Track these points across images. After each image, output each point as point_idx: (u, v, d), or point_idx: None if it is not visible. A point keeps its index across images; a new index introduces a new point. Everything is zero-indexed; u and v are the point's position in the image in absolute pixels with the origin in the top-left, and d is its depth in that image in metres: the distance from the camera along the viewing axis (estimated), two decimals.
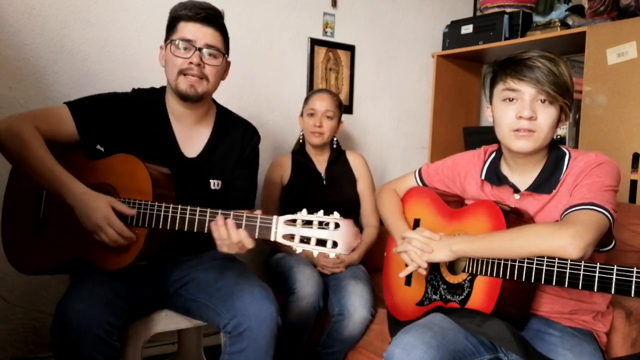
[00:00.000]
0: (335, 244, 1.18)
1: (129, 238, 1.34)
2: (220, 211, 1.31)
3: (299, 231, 1.20)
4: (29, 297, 1.96)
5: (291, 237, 1.21)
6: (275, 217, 1.24)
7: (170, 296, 1.59)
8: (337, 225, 1.18)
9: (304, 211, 1.22)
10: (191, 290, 1.54)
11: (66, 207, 1.44)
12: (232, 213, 1.29)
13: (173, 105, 1.60)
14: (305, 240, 1.20)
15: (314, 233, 1.19)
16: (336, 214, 1.19)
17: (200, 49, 1.50)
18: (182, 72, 1.50)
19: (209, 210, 1.33)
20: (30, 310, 1.97)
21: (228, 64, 1.64)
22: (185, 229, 1.34)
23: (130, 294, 1.44)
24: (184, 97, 1.53)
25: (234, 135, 1.68)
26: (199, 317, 1.56)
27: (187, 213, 1.34)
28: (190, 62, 1.49)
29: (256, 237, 1.27)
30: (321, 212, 1.21)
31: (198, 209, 1.33)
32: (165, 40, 1.55)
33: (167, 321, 1.60)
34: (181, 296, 1.56)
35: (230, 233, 1.27)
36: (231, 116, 1.73)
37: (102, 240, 1.33)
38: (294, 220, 1.21)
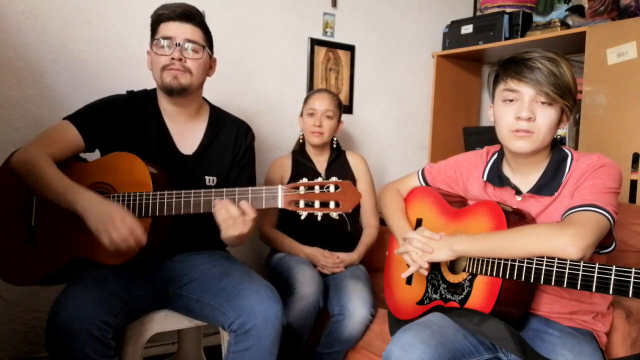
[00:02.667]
0: (337, 204, 1.29)
1: (137, 239, 1.33)
2: (224, 190, 1.36)
3: (303, 196, 1.30)
4: (29, 297, 1.97)
5: (296, 203, 1.30)
6: (279, 186, 1.33)
7: (170, 296, 1.59)
8: (337, 187, 1.29)
9: (304, 179, 1.28)
10: (194, 290, 1.55)
11: (61, 212, 1.45)
12: (237, 190, 1.35)
13: (165, 105, 1.64)
14: (309, 204, 1.30)
15: (317, 196, 1.29)
16: (334, 178, 1.27)
17: (180, 44, 1.54)
18: (165, 68, 1.55)
19: (213, 190, 1.37)
20: (30, 310, 1.98)
21: (213, 60, 1.68)
22: (192, 212, 1.37)
23: (125, 293, 1.44)
24: (169, 91, 1.56)
25: (228, 132, 1.70)
26: (202, 317, 1.57)
27: (192, 196, 1.38)
28: (172, 58, 1.54)
29: (264, 207, 1.34)
30: (320, 178, 1.27)
31: (202, 191, 1.37)
32: (150, 43, 1.60)
33: (167, 321, 1.60)
34: (182, 296, 1.56)
35: (229, 209, 1.33)
36: (224, 114, 1.76)
37: (111, 238, 1.31)
38: (297, 188, 1.31)
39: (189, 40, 1.56)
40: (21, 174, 1.46)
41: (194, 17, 1.58)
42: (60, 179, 1.40)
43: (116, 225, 1.30)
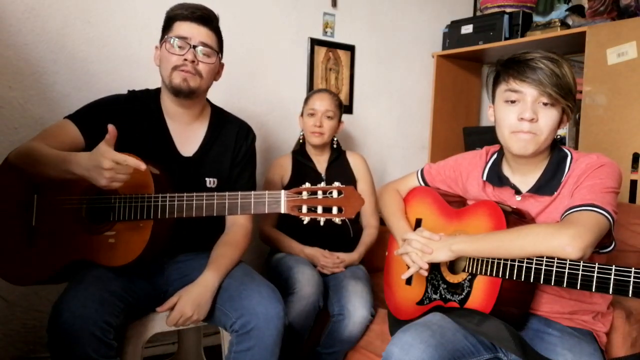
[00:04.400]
0: (340, 210, 1.27)
1: (135, 164, 1.29)
2: (227, 193, 1.35)
3: (306, 202, 1.28)
4: (29, 297, 1.97)
5: (299, 208, 1.29)
6: (282, 191, 1.31)
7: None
8: (340, 192, 1.27)
9: (307, 184, 1.30)
10: None
11: (62, 212, 1.44)
12: (239, 194, 1.34)
13: (168, 105, 1.63)
14: (312, 209, 1.28)
15: (320, 202, 1.28)
16: (337, 183, 1.29)
17: (194, 47, 1.53)
18: (177, 68, 1.53)
19: (215, 194, 1.35)
20: (30, 310, 1.98)
21: (221, 65, 1.68)
22: (194, 215, 1.36)
23: (127, 293, 1.44)
24: (177, 92, 1.55)
25: (229, 133, 1.70)
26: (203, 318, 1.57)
27: (194, 199, 1.36)
28: (185, 59, 1.52)
29: (266, 212, 1.34)
30: (323, 183, 1.32)
31: (204, 194, 1.36)
32: (161, 39, 1.58)
33: None
34: None
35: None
36: (226, 115, 1.75)
37: (117, 180, 1.29)
38: (300, 193, 1.29)
39: (204, 44, 1.55)
40: (19, 164, 1.45)
41: (211, 21, 1.57)
42: (54, 153, 1.40)
43: (113, 167, 1.27)
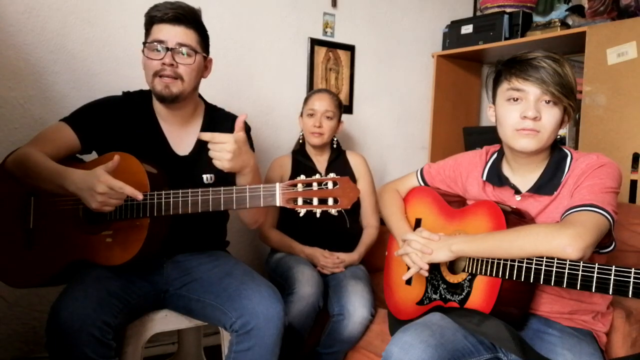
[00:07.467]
0: (336, 201, 1.26)
1: (132, 193, 1.30)
2: (222, 188, 1.34)
3: (301, 194, 1.27)
4: (28, 297, 1.97)
5: (294, 200, 1.27)
6: (277, 184, 1.29)
7: (171, 296, 1.59)
8: (335, 184, 1.26)
9: (302, 176, 1.30)
10: (194, 290, 1.55)
11: (59, 213, 1.45)
12: (234, 188, 1.33)
13: (159, 108, 1.63)
14: (307, 201, 1.27)
15: (315, 193, 1.27)
16: (332, 174, 1.28)
17: (172, 49, 1.50)
18: (157, 74, 1.51)
19: (210, 189, 1.35)
20: (30, 310, 1.98)
21: (209, 60, 1.65)
22: (190, 211, 1.35)
23: (125, 293, 1.44)
24: (161, 99, 1.55)
25: (223, 129, 1.67)
26: (203, 317, 1.57)
27: (189, 195, 1.36)
28: (163, 63, 1.50)
29: (262, 206, 1.32)
30: (318, 175, 1.30)
31: (200, 190, 1.35)
32: (143, 45, 1.56)
33: (167, 321, 1.60)
34: (183, 296, 1.57)
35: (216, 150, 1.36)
36: (219, 112, 1.74)
37: (109, 205, 1.30)
38: (295, 185, 1.28)
39: (181, 44, 1.51)
40: (14, 172, 1.46)
41: (186, 19, 1.53)
42: (49, 166, 1.40)
43: (107, 193, 1.28)
